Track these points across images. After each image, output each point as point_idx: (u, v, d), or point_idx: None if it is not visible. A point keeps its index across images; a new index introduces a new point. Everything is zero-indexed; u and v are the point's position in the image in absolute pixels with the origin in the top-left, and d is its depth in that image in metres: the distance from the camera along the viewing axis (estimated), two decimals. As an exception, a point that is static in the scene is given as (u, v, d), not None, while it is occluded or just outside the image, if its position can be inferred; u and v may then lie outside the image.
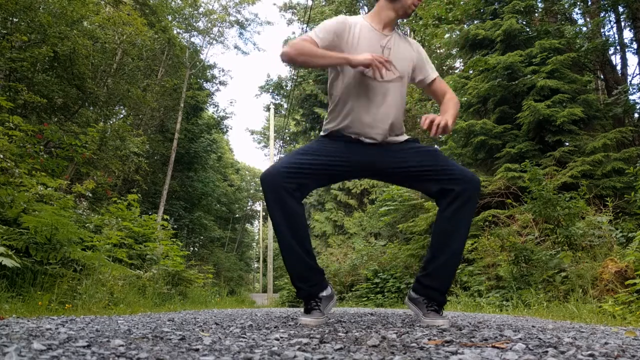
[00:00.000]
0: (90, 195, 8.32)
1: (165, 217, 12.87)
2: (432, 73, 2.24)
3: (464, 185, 2.01)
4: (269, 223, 18.97)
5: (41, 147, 5.92)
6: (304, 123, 25.00)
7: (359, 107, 2.06)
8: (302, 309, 2.20)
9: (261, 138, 41.02)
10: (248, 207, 43.78)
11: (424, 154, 2.11)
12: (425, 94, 13.89)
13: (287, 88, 28.85)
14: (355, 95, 2.06)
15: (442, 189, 2.05)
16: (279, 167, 2.02)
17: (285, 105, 30.06)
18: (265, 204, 2.07)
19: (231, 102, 56.46)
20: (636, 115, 8.19)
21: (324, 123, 2.23)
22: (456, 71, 12.13)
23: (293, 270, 2.10)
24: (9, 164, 4.07)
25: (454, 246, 2.04)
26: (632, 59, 21.25)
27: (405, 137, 2.18)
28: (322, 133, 2.21)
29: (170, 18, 17.98)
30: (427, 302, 2.10)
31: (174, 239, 8.26)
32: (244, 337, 1.45)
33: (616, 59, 9.01)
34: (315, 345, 1.26)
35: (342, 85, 2.08)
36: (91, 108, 11.79)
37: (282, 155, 32.33)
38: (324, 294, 2.15)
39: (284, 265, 2.13)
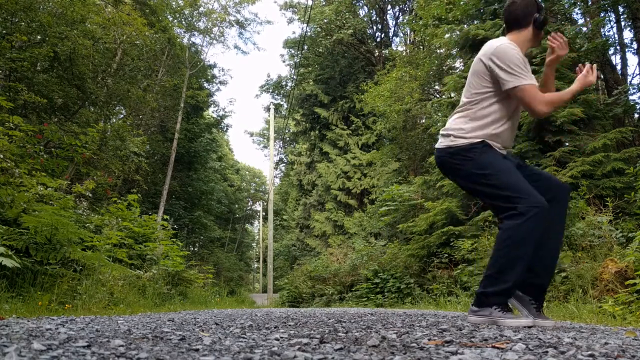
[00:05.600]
0: (90, 195, 8.32)
1: (165, 217, 12.88)
2: None
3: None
4: (269, 223, 18.94)
5: (41, 147, 5.92)
6: (304, 123, 24.94)
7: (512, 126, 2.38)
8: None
9: (261, 139, 41.00)
10: (248, 207, 43.76)
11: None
12: (425, 95, 13.93)
13: (287, 87, 28.79)
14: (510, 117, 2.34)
15: None
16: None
17: (285, 105, 30.01)
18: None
19: (231, 101, 56.73)
20: (636, 115, 8.17)
21: (470, 131, 2.27)
22: (456, 71, 12.11)
23: None
24: (9, 164, 4.06)
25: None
26: (632, 59, 21.21)
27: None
28: (475, 140, 2.25)
29: (170, 18, 17.96)
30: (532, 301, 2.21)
31: (174, 239, 8.27)
32: (244, 337, 1.45)
33: (616, 59, 8.98)
34: (315, 345, 1.26)
35: (505, 105, 2.27)
36: (91, 108, 11.78)
37: (282, 156, 32.25)
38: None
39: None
